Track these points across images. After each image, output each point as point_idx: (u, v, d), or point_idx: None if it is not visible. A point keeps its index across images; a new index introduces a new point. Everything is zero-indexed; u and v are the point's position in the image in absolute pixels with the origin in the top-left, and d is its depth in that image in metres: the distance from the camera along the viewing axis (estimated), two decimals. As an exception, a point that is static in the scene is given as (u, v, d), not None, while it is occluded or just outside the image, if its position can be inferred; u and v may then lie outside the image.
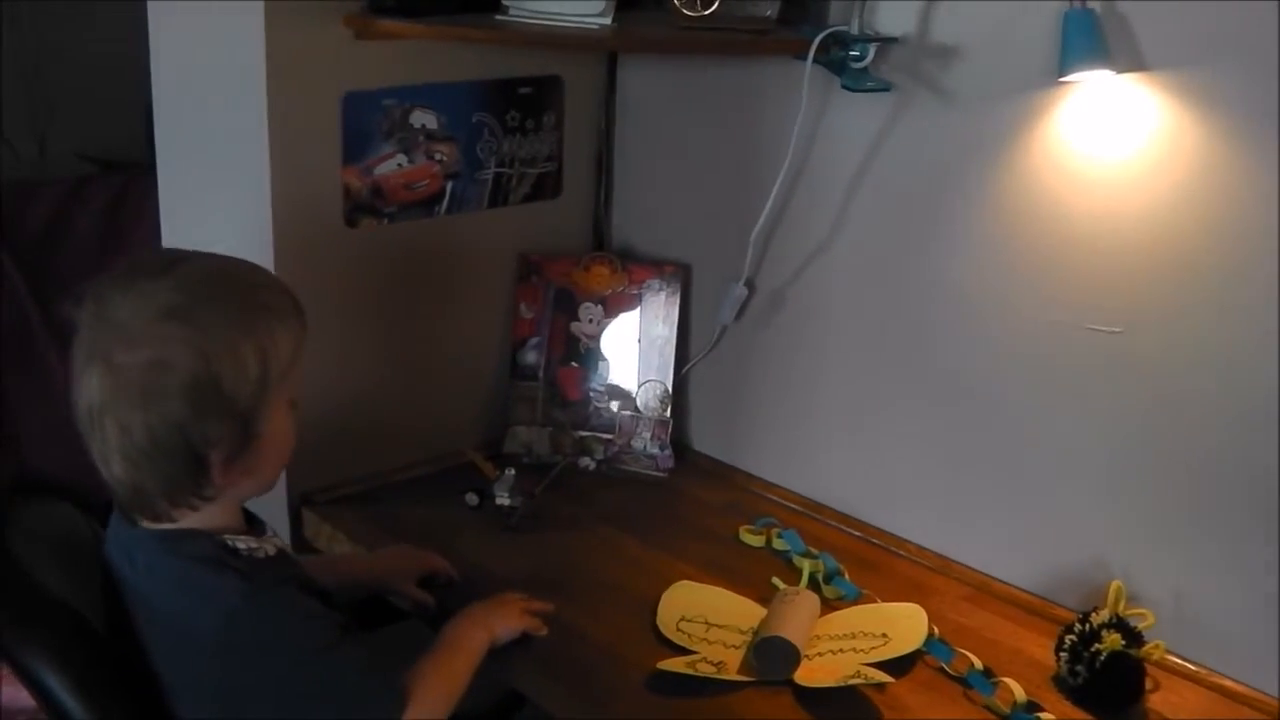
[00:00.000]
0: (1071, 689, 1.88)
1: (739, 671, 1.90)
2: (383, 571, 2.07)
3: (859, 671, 1.85)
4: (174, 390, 1.58)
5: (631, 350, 2.59)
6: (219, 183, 2.37)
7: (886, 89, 2.14)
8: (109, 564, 1.73)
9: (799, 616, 1.97)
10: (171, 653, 1.68)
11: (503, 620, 1.91)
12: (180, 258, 1.69)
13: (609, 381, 2.59)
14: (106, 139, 3.92)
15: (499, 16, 2.21)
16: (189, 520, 1.68)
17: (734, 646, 1.96)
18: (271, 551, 1.75)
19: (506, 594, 1.99)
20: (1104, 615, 1.89)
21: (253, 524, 1.80)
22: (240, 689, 1.65)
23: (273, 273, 1.75)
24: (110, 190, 3.52)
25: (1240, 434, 1.86)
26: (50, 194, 3.45)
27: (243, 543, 1.71)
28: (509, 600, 1.96)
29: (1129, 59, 1.87)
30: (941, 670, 1.94)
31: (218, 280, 1.65)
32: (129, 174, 3.50)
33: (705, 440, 2.63)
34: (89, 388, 1.61)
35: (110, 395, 1.60)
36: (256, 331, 1.63)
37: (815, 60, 2.14)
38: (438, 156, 2.42)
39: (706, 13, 2.15)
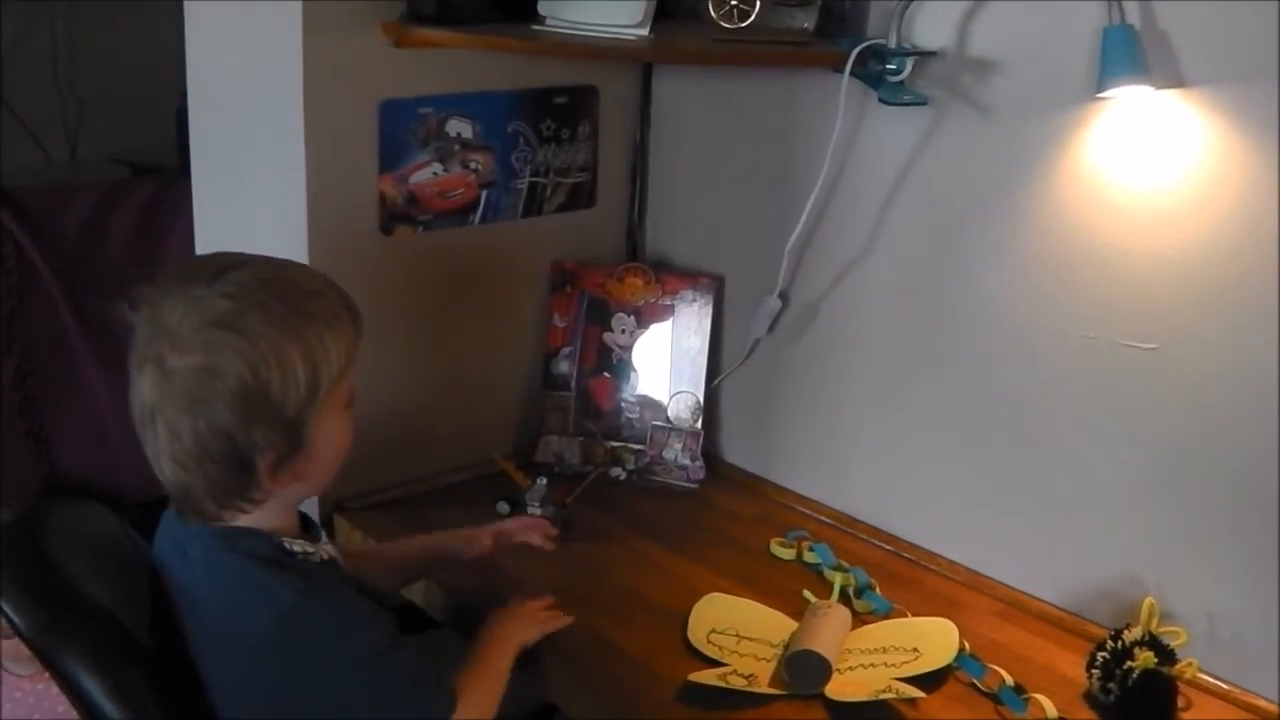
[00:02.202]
0: (1103, 706, 1.88)
1: (770, 684, 1.90)
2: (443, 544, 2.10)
3: (890, 686, 1.85)
4: (221, 397, 1.59)
5: (664, 361, 2.58)
6: (254, 189, 2.39)
7: (923, 103, 2.14)
8: (157, 562, 1.74)
9: (830, 630, 1.97)
10: (220, 652, 1.69)
11: (527, 628, 1.94)
12: (234, 263, 1.68)
13: (641, 392, 2.59)
14: (138, 142, 3.94)
15: (536, 26, 2.22)
16: (244, 520, 1.69)
17: (765, 659, 1.96)
18: (325, 557, 1.76)
19: (524, 601, 2.01)
20: (1136, 633, 1.88)
21: (309, 528, 1.81)
22: (292, 689, 1.66)
23: (329, 278, 1.75)
24: (144, 195, 3.52)
25: (1275, 451, 1.85)
26: (85, 198, 3.47)
27: (299, 546, 1.72)
28: (528, 606, 1.99)
29: (1169, 75, 1.86)
30: (973, 686, 1.93)
31: (269, 287, 1.64)
32: (163, 178, 3.51)
33: (737, 452, 2.63)
34: (142, 389, 1.63)
35: (160, 399, 1.61)
36: (306, 339, 1.63)
37: (852, 73, 2.14)
38: (473, 165, 2.42)
39: (743, 25, 2.15)
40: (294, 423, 1.63)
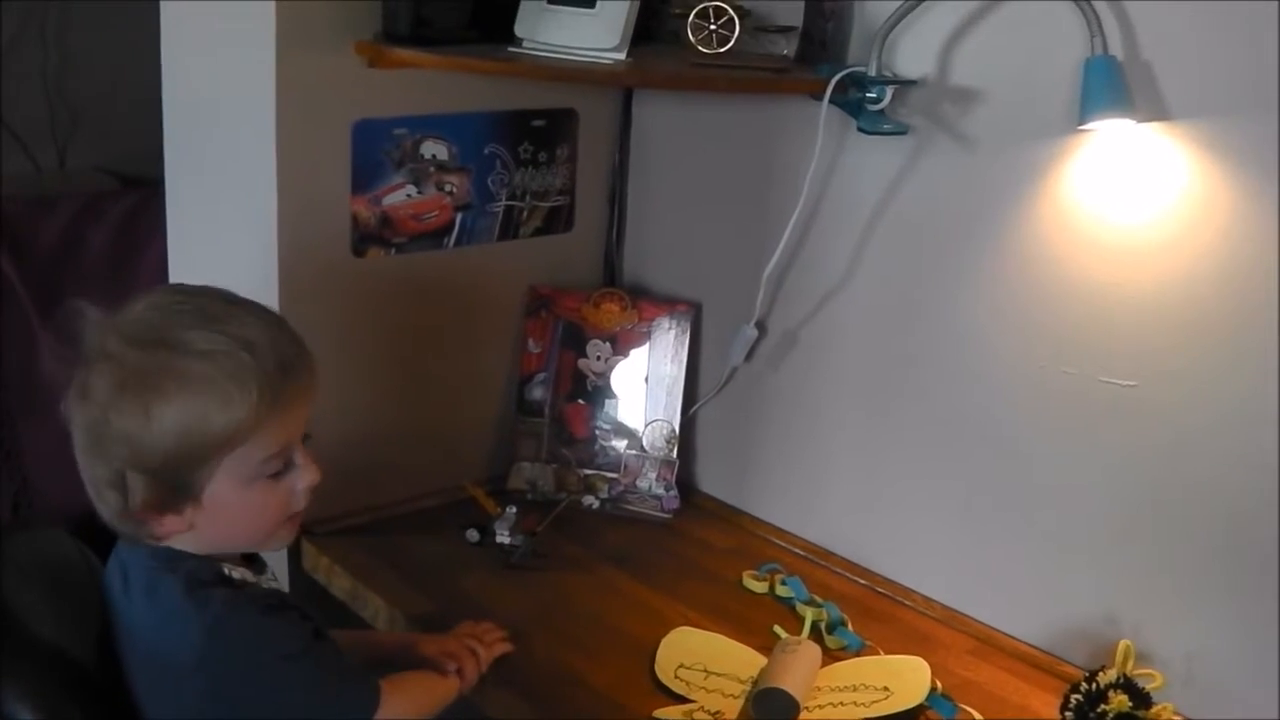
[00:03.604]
0: (1076, 750, 1.84)
1: (737, 722, 1.87)
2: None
3: (859, 725, 1.82)
4: (106, 436, 1.60)
5: (639, 389, 2.56)
6: (227, 207, 2.36)
7: (903, 132, 2.12)
8: (106, 590, 1.73)
9: (800, 667, 1.94)
10: (152, 677, 1.67)
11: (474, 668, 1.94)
12: (164, 304, 1.68)
13: (615, 419, 2.56)
14: (128, 153, 3.91)
15: (513, 49, 2.19)
16: (181, 541, 1.67)
17: (733, 696, 1.93)
18: (264, 587, 1.75)
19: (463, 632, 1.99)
20: (1111, 675, 1.84)
21: (251, 563, 1.78)
22: (221, 698, 1.64)
23: (271, 332, 1.67)
24: (124, 208, 3.50)
25: (1256, 492, 1.83)
26: (64, 210, 3.44)
27: (238, 573, 1.70)
28: (470, 647, 1.96)
29: (1152, 108, 1.84)
30: (944, 726, 1.90)
31: (158, 336, 1.62)
32: (144, 192, 3.49)
33: (712, 482, 2.60)
34: (69, 416, 1.66)
35: (72, 426, 1.65)
36: (174, 400, 1.59)
37: (832, 101, 2.12)
38: (448, 188, 2.40)
39: (722, 50, 2.12)
40: (167, 476, 1.61)
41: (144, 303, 1.66)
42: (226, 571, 1.68)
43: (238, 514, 1.67)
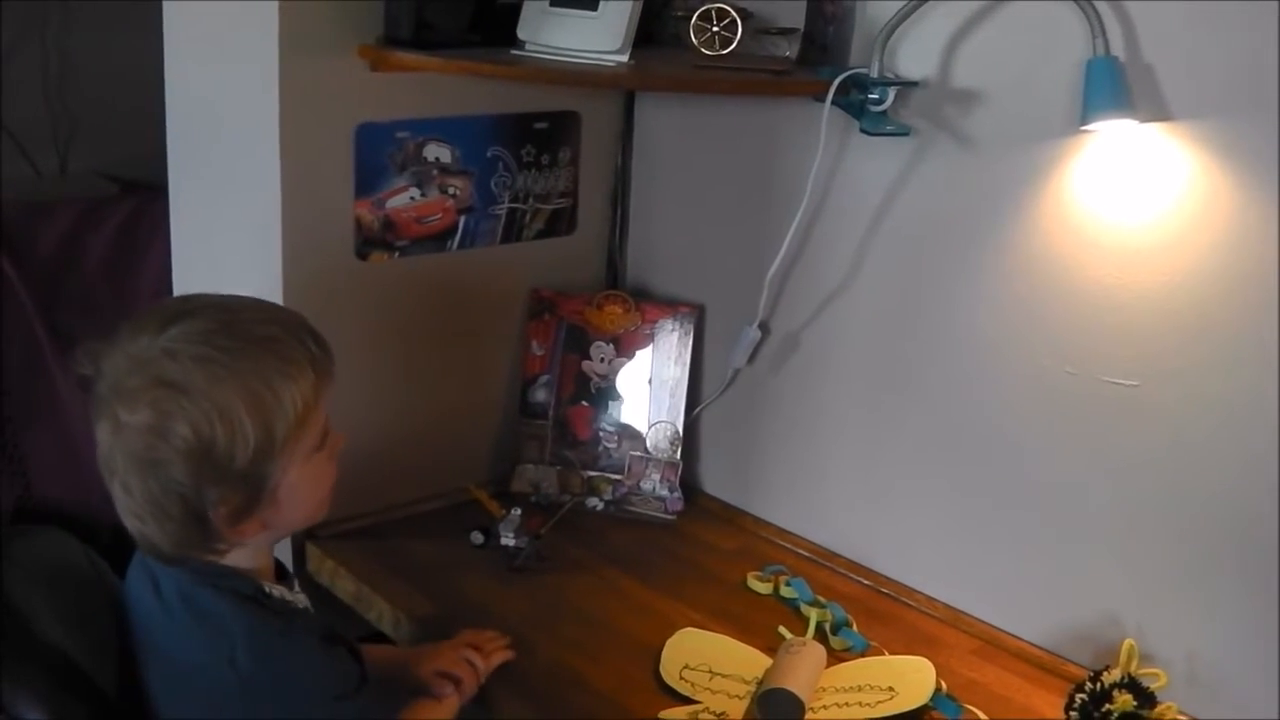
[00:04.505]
0: (1081, 750, 1.85)
1: (742, 723, 1.87)
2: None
3: (864, 726, 1.83)
4: (168, 456, 1.56)
5: (642, 390, 2.56)
6: (230, 210, 2.36)
7: (905, 133, 2.12)
8: (128, 598, 1.71)
9: (804, 668, 1.94)
10: (184, 690, 1.66)
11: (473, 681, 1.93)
12: (183, 312, 1.64)
13: (619, 421, 2.56)
14: (129, 157, 3.89)
15: (515, 51, 2.19)
16: (246, 551, 1.68)
17: (738, 697, 1.93)
18: (302, 604, 1.76)
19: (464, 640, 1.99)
20: (1116, 674, 1.85)
21: (283, 576, 1.79)
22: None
23: (292, 315, 1.72)
24: (123, 213, 3.49)
25: (1259, 492, 1.83)
26: (65, 214, 3.43)
27: (277, 590, 1.71)
28: (467, 659, 1.95)
29: (1153, 108, 1.84)
30: (949, 727, 1.91)
31: (213, 338, 1.60)
32: (144, 196, 3.48)
33: (716, 484, 2.60)
34: (100, 442, 1.61)
35: (112, 455, 1.60)
36: (253, 391, 1.59)
37: (834, 102, 2.11)
38: (451, 190, 2.40)
39: (725, 52, 2.12)
40: (249, 476, 1.60)
41: (163, 318, 1.63)
42: (267, 589, 1.69)
43: (307, 493, 1.69)
